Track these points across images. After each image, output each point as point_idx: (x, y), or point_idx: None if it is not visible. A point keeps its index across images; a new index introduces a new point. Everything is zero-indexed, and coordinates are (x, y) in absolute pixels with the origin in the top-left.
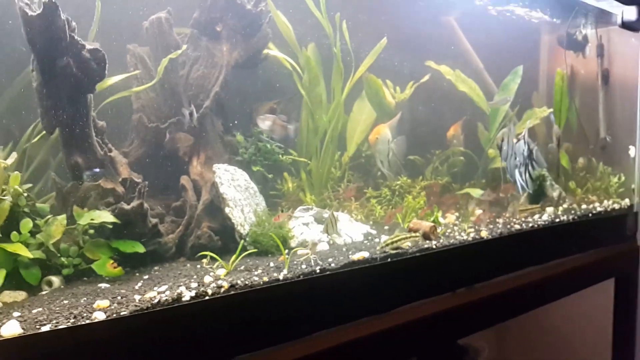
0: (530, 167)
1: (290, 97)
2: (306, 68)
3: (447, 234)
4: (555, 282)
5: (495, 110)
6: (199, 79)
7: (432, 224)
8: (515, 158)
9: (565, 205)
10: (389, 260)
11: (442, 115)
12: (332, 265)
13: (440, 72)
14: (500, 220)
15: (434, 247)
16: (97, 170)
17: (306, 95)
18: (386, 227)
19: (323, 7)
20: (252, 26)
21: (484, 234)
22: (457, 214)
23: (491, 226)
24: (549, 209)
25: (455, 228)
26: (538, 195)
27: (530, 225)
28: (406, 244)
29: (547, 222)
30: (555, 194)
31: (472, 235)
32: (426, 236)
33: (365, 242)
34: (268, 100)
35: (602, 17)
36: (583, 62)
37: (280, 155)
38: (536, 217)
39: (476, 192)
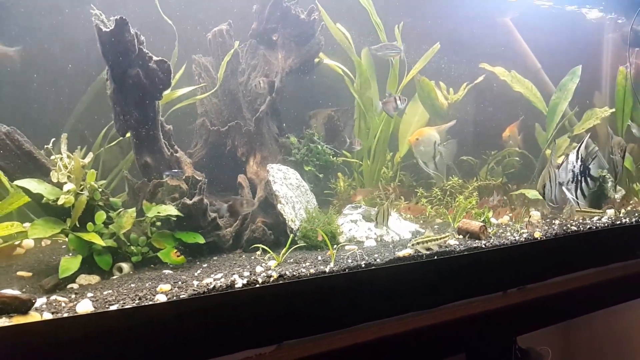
0: (583, 184)
1: (347, 108)
2: (358, 72)
3: (498, 234)
4: (617, 285)
5: (553, 111)
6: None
7: (482, 224)
8: (562, 181)
9: (629, 208)
10: (435, 257)
11: (497, 116)
12: (378, 260)
13: (494, 73)
14: (557, 222)
15: (484, 246)
16: (176, 170)
17: (358, 98)
18: (435, 227)
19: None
20: (305, 34)
21: (538, 234)
22: (510, 214)
23: (546, 227)
24: (610, 211)
25: (508, 228)
26: (598, 197)
27: (589, 227)
28: (435, 245)
29: (607, 224)
30: (617, 196)
31: (525, 235)
32: (475, 236)
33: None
34: (322, 104)
35: None
36: None
37: (331, 156)
38: (595, 218)
39: (531, 193)
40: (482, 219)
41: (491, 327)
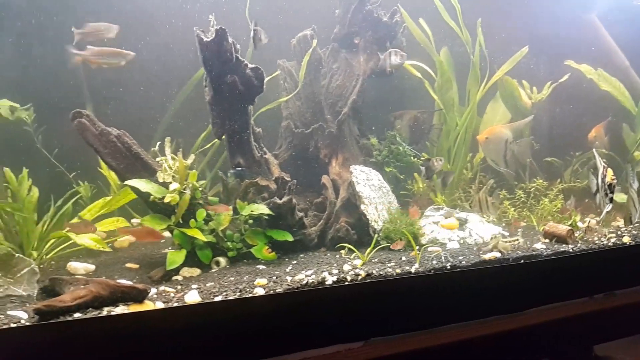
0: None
1: (434, 110)
2: (439, 72)
3: (585, 238)
4: None
5: None
6: (338, 88)
7: (569, 228)
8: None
9: None
10: (522, 261)
11: (583, 115)
12: (463, 262)
13: (580, 71)
14: None
15: (571, 250)
16: (240, 169)
17: (439, 99)
18: (519, 230)
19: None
20: (387, 37)
21: (627, 239)
22: (597, 218)
23: (634, 232)
24: None
25: (596, 233)
26: None
27: None
28: (505, 246)
29: None
30: None
31: (612, 240)
32: (563, 240)
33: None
34: (403, 105)
35: None
36: None
37: (412, 157)
38: None
39: (619, 197)
40: (570, 222)
41: (576, 332)
